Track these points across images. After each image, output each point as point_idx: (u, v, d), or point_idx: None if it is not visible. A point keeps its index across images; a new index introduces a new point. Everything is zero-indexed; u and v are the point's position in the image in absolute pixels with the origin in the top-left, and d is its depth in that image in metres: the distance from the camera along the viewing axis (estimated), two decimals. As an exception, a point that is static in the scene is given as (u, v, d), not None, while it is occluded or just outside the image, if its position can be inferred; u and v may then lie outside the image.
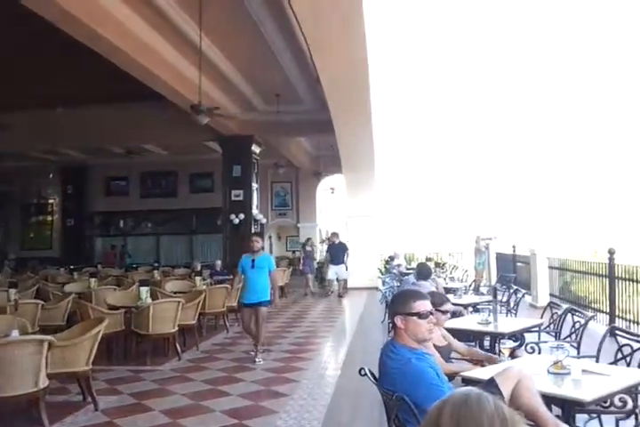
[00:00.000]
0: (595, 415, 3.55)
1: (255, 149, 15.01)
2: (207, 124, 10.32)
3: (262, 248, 7.08)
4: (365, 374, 2.82)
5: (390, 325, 2.91)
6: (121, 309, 7.16)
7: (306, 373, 6.19)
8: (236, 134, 14.07)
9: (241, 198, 14.50)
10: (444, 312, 4.16)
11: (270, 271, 6.94)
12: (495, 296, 5.49)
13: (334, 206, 24.10)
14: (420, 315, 2.74)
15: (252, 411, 4.82)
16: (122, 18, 8.19)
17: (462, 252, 18.44)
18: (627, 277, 7.90)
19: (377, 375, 2.86)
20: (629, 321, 7.75)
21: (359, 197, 16.22)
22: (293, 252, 22.09)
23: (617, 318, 8.07)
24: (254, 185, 14.90)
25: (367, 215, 16.16)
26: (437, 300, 4.11)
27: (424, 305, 2.77)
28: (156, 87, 10.49)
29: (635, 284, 7.66)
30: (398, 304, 2.83)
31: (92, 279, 10.02)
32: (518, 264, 13.21)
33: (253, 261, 6.84)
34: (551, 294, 10.90)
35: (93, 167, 21.04)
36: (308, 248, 15.59)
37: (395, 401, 2.60)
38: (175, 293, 8.85)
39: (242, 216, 14.31)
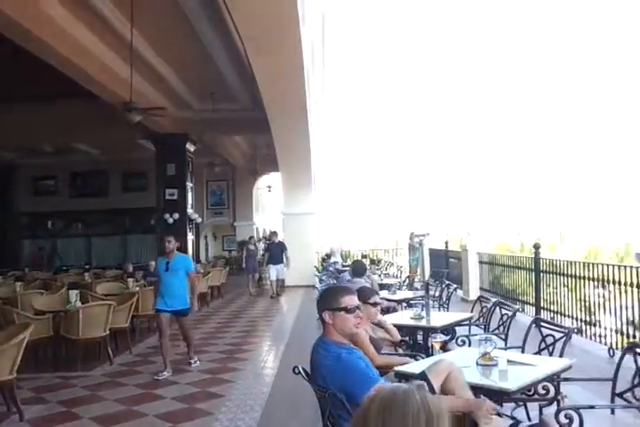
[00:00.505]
0: (521, 403, 3.70)
1: (190, 147, 14.78)
2: (140, 123, 10.07)
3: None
4: (299, 373, 2.83)
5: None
6: (49, 313, 6.88)
7: (242, 373, 6.15)
8: (170, 133, 13.81)
9: (175, 197, 14.26)
10: (374, 305, 4.23)
11: (188, 273, 6.36)
12: (427, 291, 5.62)
13: (272, 205, 24.05)
14: (347, 309, 2.79)
15: (187, 414, 4.74)
16: (53, 14, 7.87)
17: (397, 248, 18.75)
18: (551, 270, 8.25)
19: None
20: (554, 312, 8.09)
21: (296, 194, 16.22)
22: (230, 251, 21.90)
23: (543, 310, 8.41)
24: (189, 184, 14.68)
25: (304, 213, 16.19)
26: (366, 293, 4.19)
27: (351, 300, 2.83)
28: (87, 85, 10.16)
29: (558, 276, 8.01)
30: (326, 300, 2.87)
31: (18, 283, 9.74)
32: (450, 260, 13.52)
33: (167, 263, 6.27)
34: (481, 288, 11.23)
35: (20, 166, 20.15)
36: (251, 247, 15.25)
37: (328, 398, 2.62)
38: (107, 295, 8.59)
39: (176, 216, 14.08)
